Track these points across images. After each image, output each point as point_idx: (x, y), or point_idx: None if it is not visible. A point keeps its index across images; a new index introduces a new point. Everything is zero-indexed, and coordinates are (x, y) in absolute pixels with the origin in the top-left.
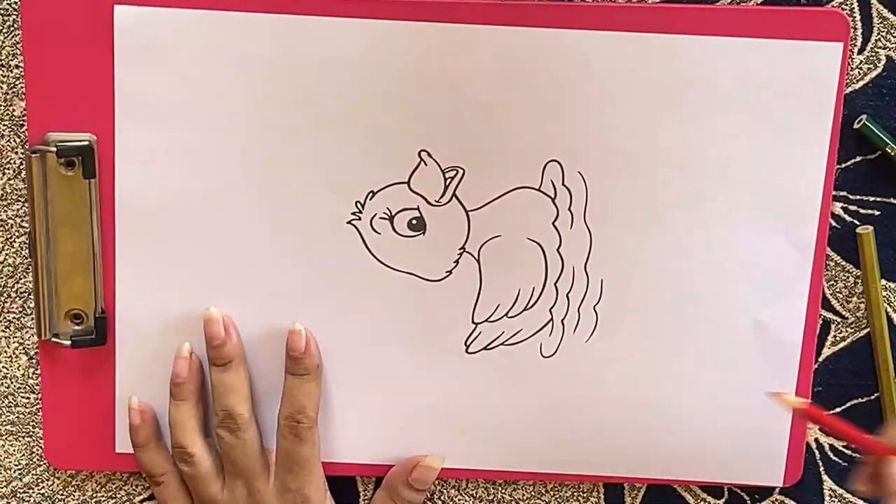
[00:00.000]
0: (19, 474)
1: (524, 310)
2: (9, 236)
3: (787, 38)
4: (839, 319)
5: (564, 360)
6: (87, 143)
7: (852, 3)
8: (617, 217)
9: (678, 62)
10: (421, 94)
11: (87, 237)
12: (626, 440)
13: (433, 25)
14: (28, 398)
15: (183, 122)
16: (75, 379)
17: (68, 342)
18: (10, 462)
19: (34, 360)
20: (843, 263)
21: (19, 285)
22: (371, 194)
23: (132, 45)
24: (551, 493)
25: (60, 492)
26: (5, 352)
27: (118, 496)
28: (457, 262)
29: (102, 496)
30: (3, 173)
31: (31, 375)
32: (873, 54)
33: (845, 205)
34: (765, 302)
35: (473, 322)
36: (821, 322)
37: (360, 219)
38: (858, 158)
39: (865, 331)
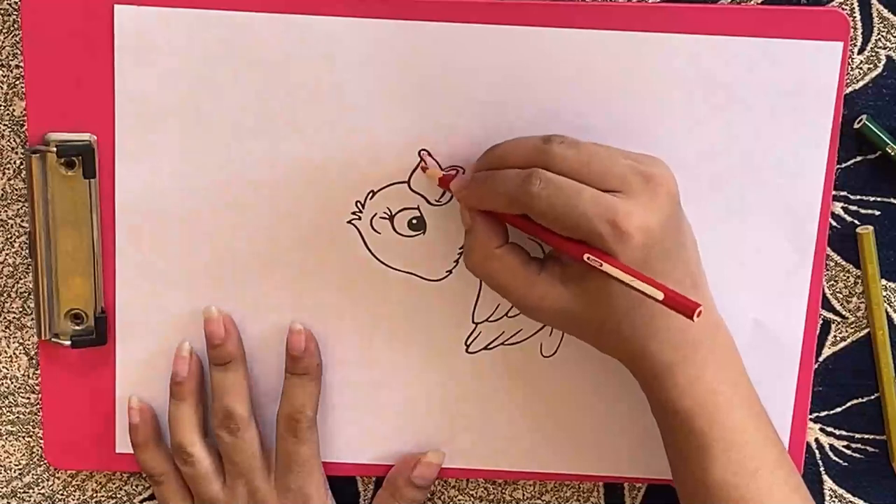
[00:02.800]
0: (19, 474)
1: None
2: (9, 236)
3: (787, 38)
4: (839, 319)
5: (564, 359)
6: (87, 143)
7: (852, 3)
8: None
9: (678, 62)
10: (421, 93)
11: (87, 237)
12: (625, 440)
13: (433, 25)
14: (28, 398)
15: (183, 122)
16: (75, 379)
17: (68, 342)
18: (10, 462)
19: (34, 360)
20: (843, 263)
21: (19, 285)
22: (371, 194)
23: (132, 44)
24: (551, 493)
25: (60, 492)
26: (5, 352)
27: (118, 496)
28: (457, 261)
29: (102, 496)
30: (3, 173)
31: (31, 375)
32: (873, 54)
33: (845, 205)
34: (765, 302)
35: (473, 322)
36: (821, 322)
37: (360, 218)
38: (858, 158)
39: (865, 331)
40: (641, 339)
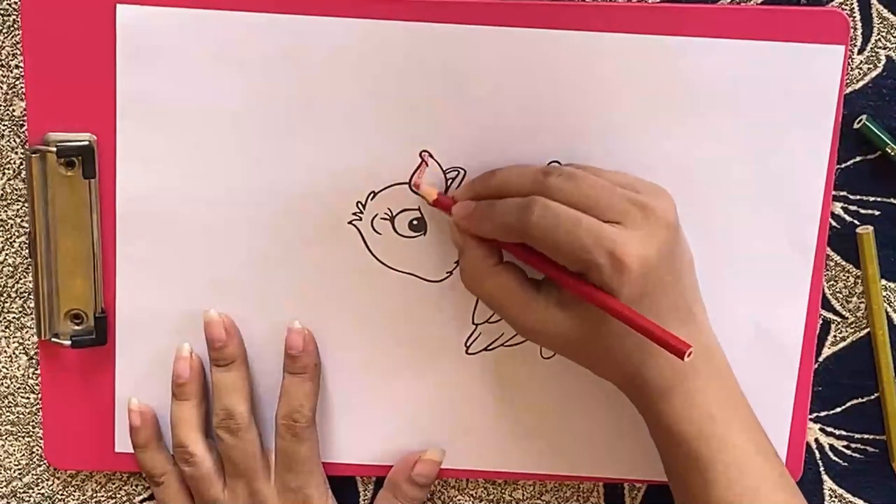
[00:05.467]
0: (19, 474)
1: None
2: (9, 236)
3: (787, 41)
4: (839, 319)
5: (564, 361)
6: (87, 143)
7: (852, 3)
8: None
9: (679, 64)
10: (422, 94)
11: (87, 237)
12: (625, 440)
13: (433, 25)
14: (28, 398)
15: (184, 122)
16: (75, 379)
17: (68, 342)
18: (10, 462)
19: (34, 360)
20: (843, 263)
21: (19, 285)
22: (372, 195)
23: (134, 44)
24: (551, 493)
25: (60, 492)
26: (5, 352)
27: (118, 496)
28: (457, 262)
29: (102, 496)
30: (3, 173)
31: (31, 375)
32: (873, 54)
33: (845, 205)
34: (765, 302)
35: (473, 323)
36: (821, 322)
37: (360, 219)
38: (858, 158)
39: (865, 331)
40: (637, 365)
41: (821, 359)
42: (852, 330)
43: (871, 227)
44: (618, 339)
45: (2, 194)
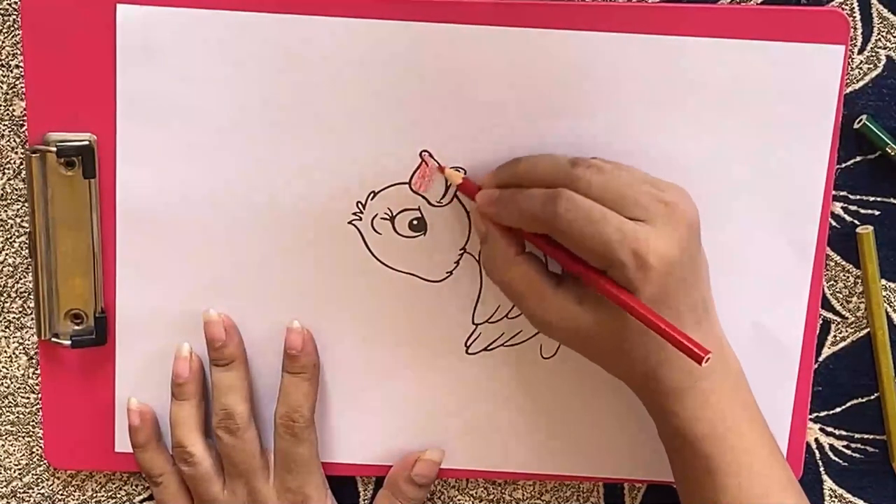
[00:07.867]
0: (19, 474)
1: None
2: (9, 236)
3: (787, 40)
4: (839, 319)
5: (564, 360)
6: (87, 143)
7: (852, 3)
8: None
9: (679, 64)
10: (422, 94)
11: (87, 237)
12: (625, 440)
13: (433, 25)
14: (28, 398)
15: (184, 122)
16: (75, 379)
17: (68, 342)
18: (10, 462)
19: (34, 360)
20: (843, 263)
21: (19, 285)
22: (372, 194)
23: (134, 44)
24: (551, 493)
25: (60, 492)
26: (5, 352)
27: (118, 496)
28: (457, 262)
29: (102, 496)
30: (3, 173)
31: (31, 375)
32: (873, 54)
33: (845, 205)
34: (765, 302)
35: (474, 323)
36: (821, 322)
37: (360, 219)
38: (858, 158)
39: (865, 331)
40: (653, 364)
41: (821, 359)
42: (852, 330)
43: (871, 227)
44: (635, 338)
45: (2, 194)
